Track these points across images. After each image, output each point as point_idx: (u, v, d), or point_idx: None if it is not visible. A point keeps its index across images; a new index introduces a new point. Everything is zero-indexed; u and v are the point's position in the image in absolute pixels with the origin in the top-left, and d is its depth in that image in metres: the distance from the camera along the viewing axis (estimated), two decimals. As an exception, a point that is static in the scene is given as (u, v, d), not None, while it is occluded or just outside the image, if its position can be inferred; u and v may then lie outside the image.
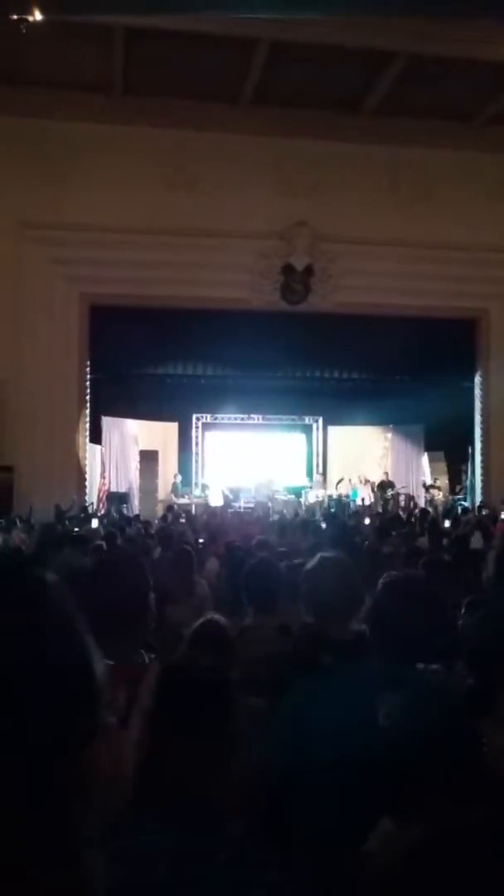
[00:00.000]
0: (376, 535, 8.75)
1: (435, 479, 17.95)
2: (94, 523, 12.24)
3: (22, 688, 0.68)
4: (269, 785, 2.18)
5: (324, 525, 11.43)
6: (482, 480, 16.11)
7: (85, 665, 0.75)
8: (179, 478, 18.25)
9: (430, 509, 15.14)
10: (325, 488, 18.64)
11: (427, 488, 17.76)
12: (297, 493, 18.60)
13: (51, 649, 0.72)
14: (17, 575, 0.78)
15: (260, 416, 19.67)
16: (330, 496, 18.09)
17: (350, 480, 18.53)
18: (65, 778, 0.71)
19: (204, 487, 18.64)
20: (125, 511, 15.76)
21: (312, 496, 18.07)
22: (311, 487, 18.73)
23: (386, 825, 1.83)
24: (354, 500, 17.74)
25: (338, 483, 18.27)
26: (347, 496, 18.02)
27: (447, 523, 11.33)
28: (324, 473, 19.67)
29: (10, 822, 0.67)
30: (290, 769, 2.17)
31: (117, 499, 16.63)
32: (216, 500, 17.58)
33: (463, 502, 16.49)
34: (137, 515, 14.57)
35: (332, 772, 2.01)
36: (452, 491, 17.61)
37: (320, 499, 17.83)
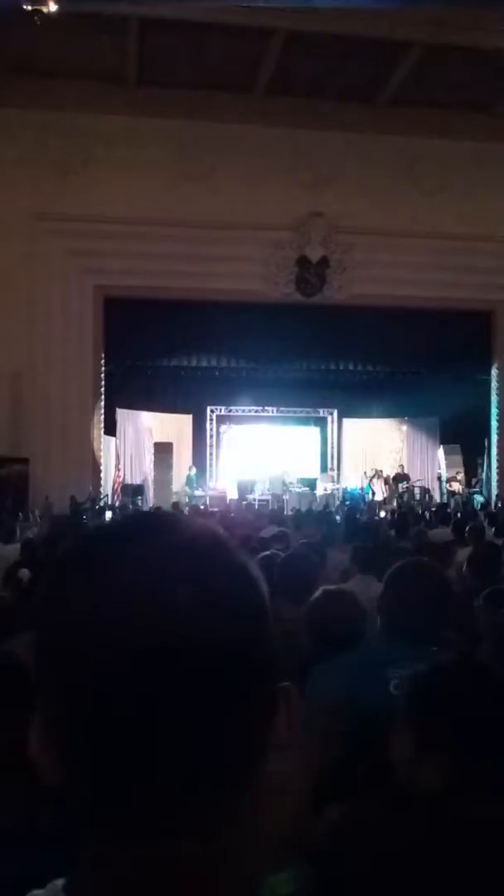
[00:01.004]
0: (392, 529, 8.70)
1: (457, 473, 17.83)
2: (108, 515, 12.31)
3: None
4: None
5: (338, 518, 11.40)
6: (498, 473, 16.02)
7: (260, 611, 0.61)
8: (194, 470, 18.26)
9: (449, 502, 15.08)
10: (335, 482, 18.61)
11: (448, 481, 17.64)
12: (312, 485, 18.57)
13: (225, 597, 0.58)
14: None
15: (274, 409, 19.63)
16: (345, 489, 18.05)
17: (365, 473, 18.49)
18: (243, 766, 0.59)
19: (218, 480, 18.67)
20: (140, 503, 15.80)
21: (321, 489, 18.03)
22: (320, 480, 18.70)
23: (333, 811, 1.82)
24: (367, 493, 17.69)
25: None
26: (361, 489, 17.99)
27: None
28: (338, 467, 19.63)
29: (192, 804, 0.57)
30: None
31: (132, 491, 16.68)
32: (231, 493, 17.59)
33: (478, 495, 16.41)
34: (158, 508, 14.59)
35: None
36: (468, 484, 17.53)
37: (329, 491, 17.78)
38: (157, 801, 0.57)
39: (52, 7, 9.86)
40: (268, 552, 4.86)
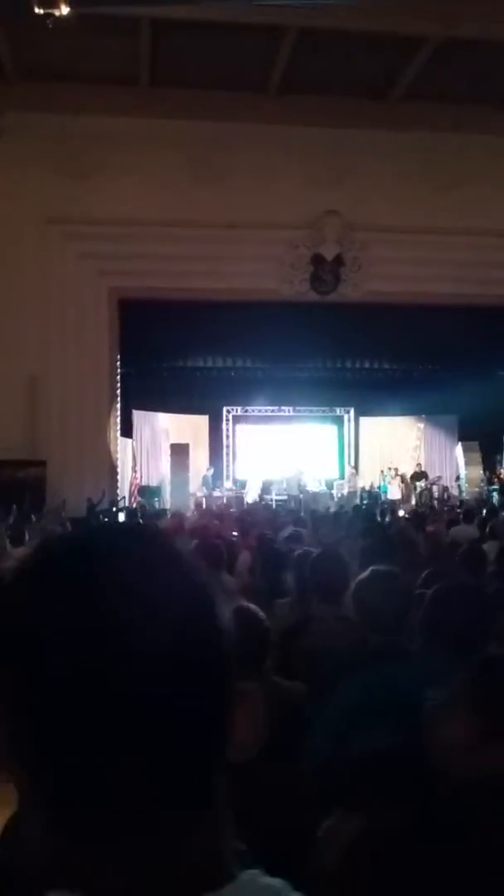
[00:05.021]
0: (410, 528, 8.63)
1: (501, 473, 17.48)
2: (122, 516, 12.33)
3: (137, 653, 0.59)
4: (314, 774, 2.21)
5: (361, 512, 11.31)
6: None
7: (210, 616, 0.64)
8: (211, 471, 18.25)
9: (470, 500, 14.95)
10: (357, 481, 18.53)
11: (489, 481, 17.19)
12: (329, 484, 18.51)
13: (169, 600, 0.61)
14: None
15: (291, 408, 19.59)
16: (363, 488, 17.97)
17: (382, 472, 18.40)
18: (203, 754, 0.62)
19: (236, 482, 18.66)
20: (157, 504, 15.82)
21: (343, 489, 17.96)
22: (342, 481, 18.61)
23: (337, 815, 1.80)
24: (385, 493, 17.60)
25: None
26: (379, 488, 17.90)
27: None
28: (356, 465, 19.55)
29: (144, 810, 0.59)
30: (335, 760, 2.17)
31: (148, 492, 16.69)
32: (252, 495, 17.55)
33: (497, 493, 16.28)
34: (165, 510, 14.60)
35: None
36: (488, 481, 17.38)
37: (350, 491, 17.70)
38: (124, 798, 0.59)
39: (64, 10, 9.84)
40: (301, 550, 4.92)
